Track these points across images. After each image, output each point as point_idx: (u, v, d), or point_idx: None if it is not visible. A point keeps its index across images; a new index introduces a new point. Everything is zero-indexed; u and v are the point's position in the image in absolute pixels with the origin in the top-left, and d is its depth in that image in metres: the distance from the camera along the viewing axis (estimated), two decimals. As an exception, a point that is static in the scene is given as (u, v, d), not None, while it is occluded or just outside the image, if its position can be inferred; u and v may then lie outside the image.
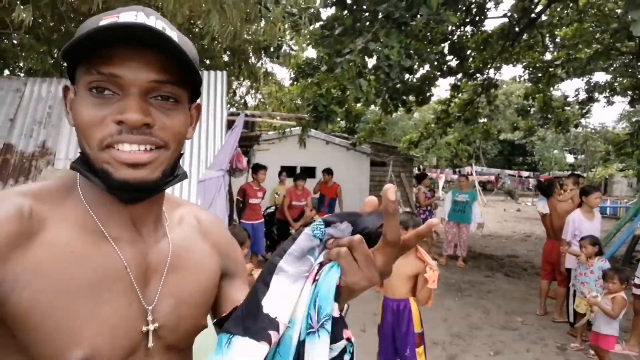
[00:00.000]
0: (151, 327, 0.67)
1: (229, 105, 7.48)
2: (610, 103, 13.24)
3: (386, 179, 14.68)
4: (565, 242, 4.60)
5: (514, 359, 3.98)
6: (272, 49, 6.07)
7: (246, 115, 5.04)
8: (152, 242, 0.72)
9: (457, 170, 23.50)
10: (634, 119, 18.59)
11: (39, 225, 0.62)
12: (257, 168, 6.04)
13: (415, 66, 9.52)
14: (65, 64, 0.65)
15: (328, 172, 8.25)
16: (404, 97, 10.70)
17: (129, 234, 0.69)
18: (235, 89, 7.49)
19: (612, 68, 11.73)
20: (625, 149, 12.84)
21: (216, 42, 7.36)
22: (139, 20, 0.60)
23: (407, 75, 7.52)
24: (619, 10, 9.87)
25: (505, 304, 5.62)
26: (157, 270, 0.71)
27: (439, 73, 11.44)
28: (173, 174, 0.69)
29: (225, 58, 7.81)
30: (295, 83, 7.71)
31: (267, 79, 6.61)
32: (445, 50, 11.03)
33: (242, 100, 7.38)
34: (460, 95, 12.69)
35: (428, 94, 11.63)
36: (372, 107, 14.49)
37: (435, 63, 10.94)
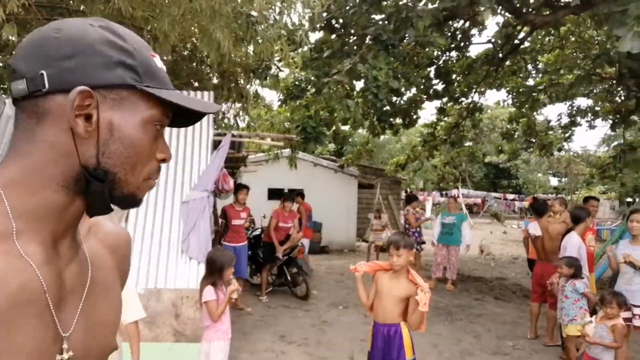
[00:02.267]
0: (65, 355, 0.62)
1: (216, 126, 7.42)
2: (592, 127, 13.51)
3: (374, 201, 14.67)
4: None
5: (507, 387, 3.86)
6: (260, 70, 6.05)
7: (233, 135, 4.97)
8: (68, 260, 0.65)
9: (443, 193, 23.66)
10: (614, 143, 19.05)
11: None
12: (239, 188, 5.90)
13: (403, 89, 9.65)
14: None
15: (299, 194, 8.13)
16: (392, 120, 10.81)
17: (45, 251, 0.62)
18: (224, 112, 7.46)
19: (594, 93, 12.03)
20: (608, 172, 13.07)
21: (205, 64, 7.35)
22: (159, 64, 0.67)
23: (394, 98, 7.58)
24: (598, 38, 10.20)
25: (496, 328, 5.51)
26: (73, 292, 0.65)
27: (425, 96, 11.62)
28: None
29: (215, 80, 7.79)
30: (283, 105, 7.71)
31: (257, 101, 6.58)
32: (432, 75, 11.24)
33: (232, 122, 7.33)
34: (446, 118, 12.86)
35: (415, 117, 11.78)
36: (360, 130, 14.60)
37: (422, 87, 11.12)
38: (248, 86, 6.78)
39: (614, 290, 3.86)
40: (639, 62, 8.20)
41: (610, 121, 12.50)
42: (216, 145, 4.88)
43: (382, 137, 20.24)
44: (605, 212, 27.68)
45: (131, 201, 0.66)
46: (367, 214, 14.64)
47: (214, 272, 2.99)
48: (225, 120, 7.28)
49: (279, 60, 6.07)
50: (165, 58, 6.46)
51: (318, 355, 4.39)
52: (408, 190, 21.44)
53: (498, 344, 4.93)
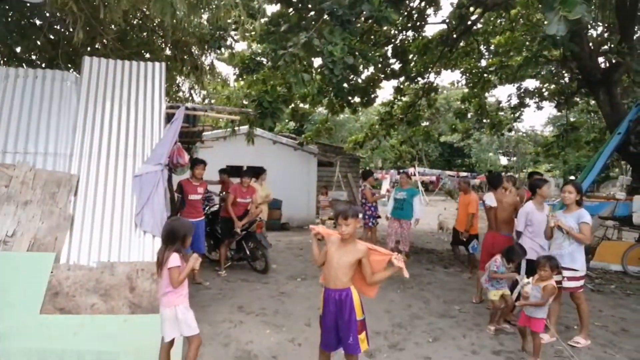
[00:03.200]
0: None
1: (169, 99, 7.19)
2: (539, 108, 14.17)
3: (334, 179, 14.87)
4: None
5: (451, 344, 4.14)
6: (215, 40, 5.88)
7: (187, 108, 4.88)
8: None
9: (401, 171, 24.27)
10: (558, 123, 20.12)
11: None
12: (195, 163, 5.83)
13: (360, 67, 9.71)
14: None
15: (223, 171, 8.03)
16: (350, 98, 10.91)
17: None
18: (179, 85, 7.22)
19: (541, 75, 12.62)
20: (552, 150, 13.85)
21: (157, 35, 7.09)
22: None
23: (351, 75, 7.64)
24: (546, 21, 10.64)
25: (444, 294, 5.85)
26: None
27: (382, 75, 11.79)
28: None
29: (168, 52, 7.54)
30: (240, 79, 7.59)
31: (212, 73, 6.41)
32: (389, 54, 11.39)
33: (187, 96, 7.11)
34: (403, 97, 13.12)
35: (373, 96, 11.94)
36: (320, 108, 14.63)
37: (379, 65, 11.26)
38: (203, 58, 6.60)
39: (548, 255, 4.19)
40: (580, 45, 8.70)
41: (556, 102, 13.20)
42: (170, 118, 4.78)
43: (341, 116, 20.36)
44: (550, 189, 29.43)
45: None
46: (328, 191, 14.87)
47: (176, 241, 3.01)
48: (180, 94, 7.09)
49: (235, 30, 5.92)
50: (113, 27, 6.17)
51: (275, 323, 4.51)
52: (367, 168, 21.85)
53: (445, 308, 5.25)
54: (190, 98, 7.15)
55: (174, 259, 2.94)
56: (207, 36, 6.06)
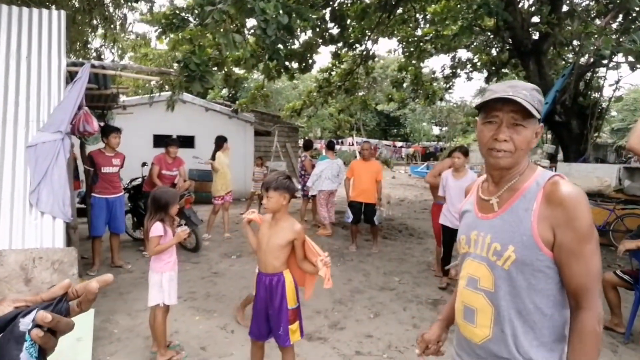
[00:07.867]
0: None
1: (77, 56, 6.25)
2: (469, 79, 14.56)
3: (272, 149, 14.36)
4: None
5: (392, 319, 4.03)
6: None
7: (93, 66, 4.15)
8: None
9: (340, 140, 24.26)
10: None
11: None
12: (108, 131, 5.08)
13: (298, 31, 9.18)
14: None
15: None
16: (287, 63, 10.37)
17: None
18: (88, 40, 6.22)
19: (473, 45, 12.83)
20: (482, 120, 14.36)
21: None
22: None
23: (287, 37, 7.12)
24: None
25: (383, 265, 5.78)
26: None
27: (320, 40, 11.33)
28: None
29: (77, 5, 6.51)
30: (162, 37, 6.74)
31: (123, 28, 5.54)
32: (327, 17, 10.92)
33: (97, 54, 6.17)
34: (341, 65, 12.81)
35: (310, 61, 11.48)
36: (256, 75, 13.87)
37: (317, 29, 10.78)
38: (116, 10, 5.70)
39: None
40: (513, 14, 8.80)
41: (486, 73, 13.58)
42: (73, 78, 4.04)
43: (279, 84, 19.63)
44: (478, 157, 31.06)
45: None
46: (264, 162, 14.35)
47: (159, 210, 3.06)
48: (94, 52, 6.14)
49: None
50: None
51: (206, 308, 4.13)
52: (305, 137, 21.52)
53: (385, 280, 5.16)
54: (100, 55, 6.22)
55: (155, 228, 3.01)
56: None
